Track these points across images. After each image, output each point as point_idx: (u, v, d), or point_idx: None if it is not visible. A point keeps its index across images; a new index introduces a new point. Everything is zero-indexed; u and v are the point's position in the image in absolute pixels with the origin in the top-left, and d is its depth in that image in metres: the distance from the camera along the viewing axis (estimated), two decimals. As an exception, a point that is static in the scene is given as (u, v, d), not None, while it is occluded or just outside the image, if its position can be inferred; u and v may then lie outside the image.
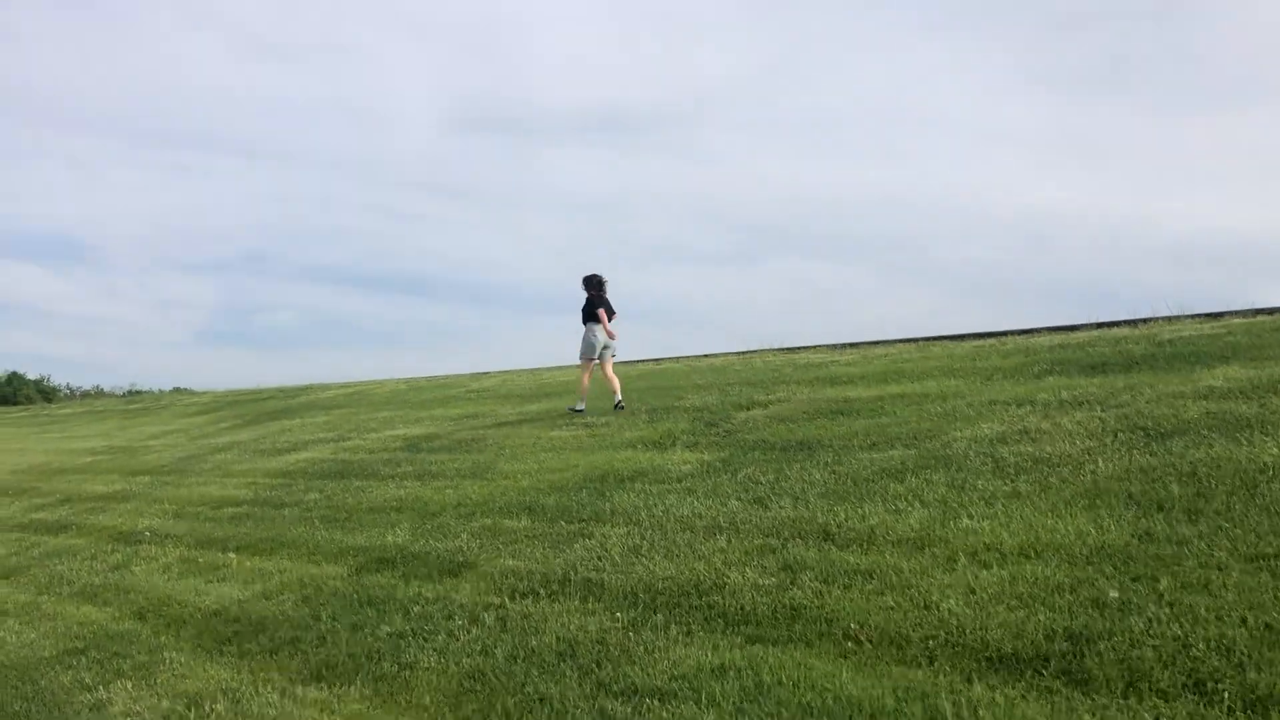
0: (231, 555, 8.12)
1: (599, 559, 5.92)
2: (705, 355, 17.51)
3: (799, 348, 15.82)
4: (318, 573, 6.97)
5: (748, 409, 10.37)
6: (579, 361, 12.47)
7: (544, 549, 6.42)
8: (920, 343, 13.67)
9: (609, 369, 12.27)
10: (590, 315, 12.13)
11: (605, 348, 12.17)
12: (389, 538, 7.53)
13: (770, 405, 10.30)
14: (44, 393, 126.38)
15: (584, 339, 12.21)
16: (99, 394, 79.09)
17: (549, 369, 19.39)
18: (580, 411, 12.06)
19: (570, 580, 5.63)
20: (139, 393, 57.27)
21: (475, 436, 11.95)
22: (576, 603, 5.29)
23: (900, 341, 14.09)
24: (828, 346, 15.41)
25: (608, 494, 7.56)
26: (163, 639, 6.21)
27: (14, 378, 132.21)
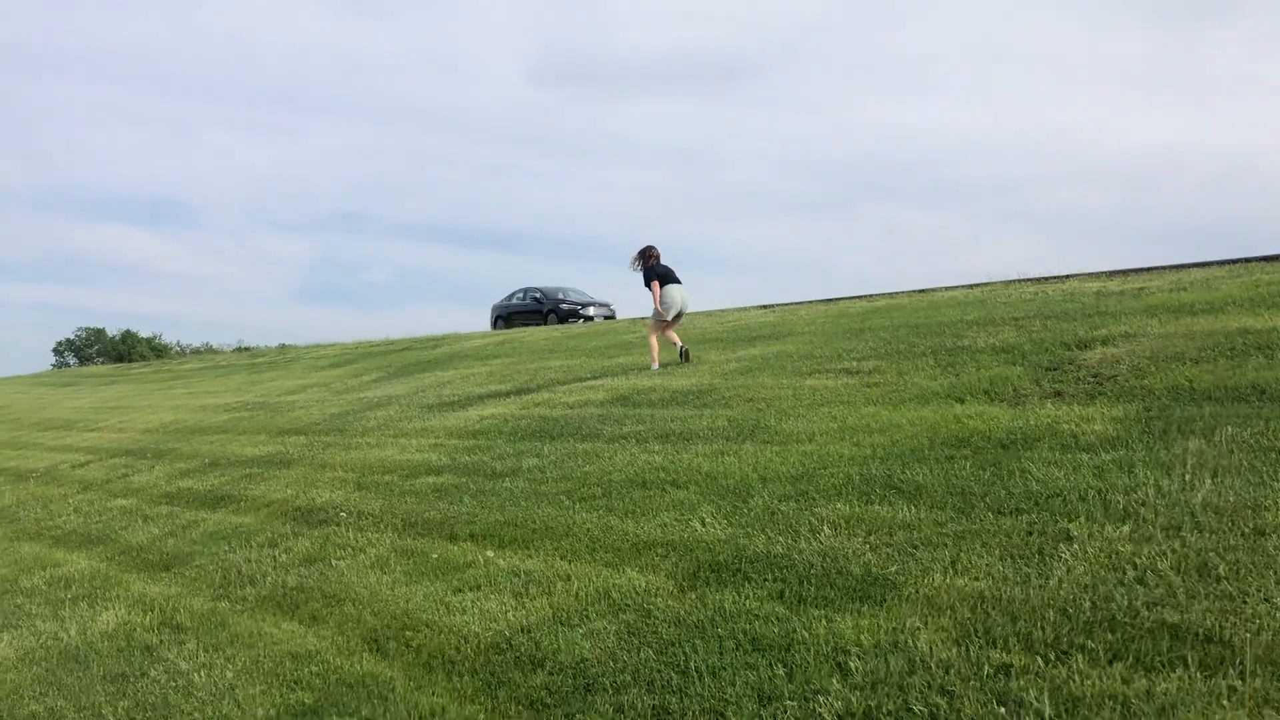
0: (465, 545, 6.03)
1: (1134, 580, 3.60)
2: (907, 292, 14.96)
3: (1050, 277, 13.18)
4: (625, 583, 4.79)
5: (1084, 347, 7.92)
6: (652, 320, 11.89)
7: (993, 557, 4.13)
8: (1242, 264, 10.95)
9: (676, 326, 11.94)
10: (666, 277, 11.53)
11: (683, 310, 11.75)
12: (698, 528, 5.33)
13: (1119, 342, 7.83)
14: (156, 350, 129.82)
15: (664, 299, 11.51)
16: (209, 350, 79.75)
17: (733, 309, 17.06)
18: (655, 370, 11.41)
19: (1119, 619, 3.32)
20: (248, 349, 56.91)
21: (701, 387, 9.72)
22: (1186, 672, 2.98)
23: (1222, 263, 11.37)
24: (1093, 274, 12.76)
25: (1008, 466, 5.23)
26: (433, 695, 4.10)
27: (128, 335, 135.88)
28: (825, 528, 4.92)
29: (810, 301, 15.73)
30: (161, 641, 5.46)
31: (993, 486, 5.01)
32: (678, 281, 11.70)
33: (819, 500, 5.40)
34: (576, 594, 4.80)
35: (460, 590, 5.27)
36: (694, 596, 4.46)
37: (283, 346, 37.21)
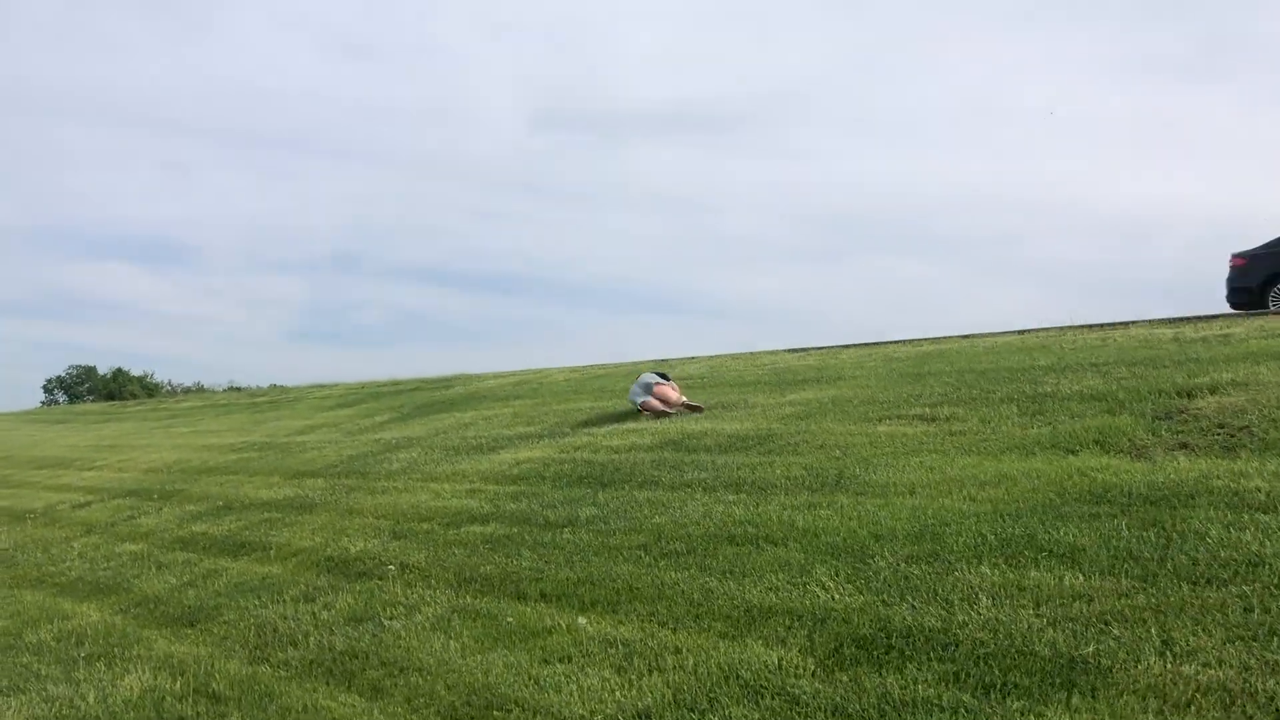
0: (538, 607, 5.33)
1: None
2: (952, 337, 14.33)
3: (1110, 323, 12.61)
4: (752, 659, 4.10)
5: (1190, 396, 7.31)
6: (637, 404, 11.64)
7: (1215, 639, 3.45)
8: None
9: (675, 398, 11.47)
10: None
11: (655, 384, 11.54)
12: (820, 593, 4.65)
13: (1232, 390, 7.22)
14: (148, 389, 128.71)
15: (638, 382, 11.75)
16: (201, 390, 78.75)
17: (763, 352, 16.43)
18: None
19: None
20: (239, 388, 56.02)
21: (759, 432, 9.06)
22: None
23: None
24: (1154, 321, 12.18)
25: (1174, 527, 4.59)
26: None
27: (119, 374, 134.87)
28: (982, 596, 4.24)
29: (848, 345, 15.11)
30: (198, 715, 4.73)
31: (1168, 551, 4.35)
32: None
33: (956, 563, 4.73)
34: (695, 671, 4.10)
35: (548, 661, 4.56)
36: (846, 679, 3.77)
37: (274, 387, 36.47)
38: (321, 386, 28.34)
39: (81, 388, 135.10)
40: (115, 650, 6.10)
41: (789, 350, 16.27)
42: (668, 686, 4.02)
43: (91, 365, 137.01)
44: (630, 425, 11.01)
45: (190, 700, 4.92)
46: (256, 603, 6.65)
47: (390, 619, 5.70)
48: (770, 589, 4.88)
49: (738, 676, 3.97)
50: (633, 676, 4.19)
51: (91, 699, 5.22)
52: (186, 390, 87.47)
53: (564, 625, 4.98)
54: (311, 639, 5.62)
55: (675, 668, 4.19)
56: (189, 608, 6.89)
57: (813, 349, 15.66)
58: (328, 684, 4.88)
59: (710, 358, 17.45)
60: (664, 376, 11.87)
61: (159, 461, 16.99)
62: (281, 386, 31.70)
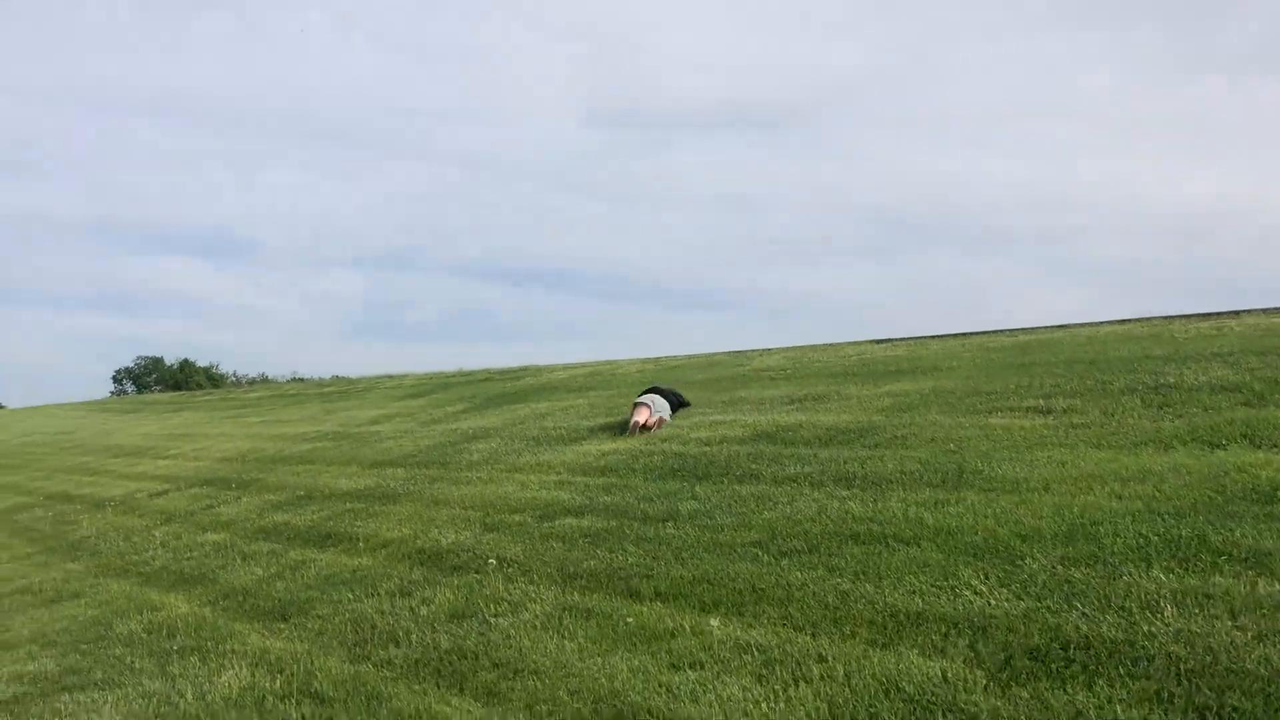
0: (655, 607, 5.00)
1: None
2: (1048, 327, 13.72)
3: (1220, 313, 11.94)
4: (912, 670, 3.73)
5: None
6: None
7: None
8: None
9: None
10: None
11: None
12: (973, 598, 4.26)
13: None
14: (213, 379, 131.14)
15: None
16: (265, 381, 79.80)
17: (844, 343, 15.96)
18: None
19: None
20: (301, 379, 56.54)
21: (859, 425, 8.64)
22: None
23: None
24: (1268, 310, 11.51)
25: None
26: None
27: (186, 365, 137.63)
28: (1164, 604, 3.82)
29: (935, 336, 14.56)
30: (304, 717, 4.46)
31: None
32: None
33: (1120, 566, 4.30)
34: (849, 682, 3.73)
35: (677, 667, 4.22)
36: (1026, 695, 3.38)
37: (337, 378, 36.64)
38: (390, 377, 28.34)
39: (149, 378, 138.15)
40: (208, 644, 5.88)
41: (872, 341, 15.77)
42: (819, 699, 3.66)
43: (159, 357, 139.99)
44: (716, 417, 10.65)
45: (294, 701, 4.66)
46: (350, 596, 6.40)
47: (495, 616, 5.40)
48: (913, 592, 4.49)
49: (899, 689, 3.60)
50: (777, 687, 3.84)
51: (190, 696, 4.99)
52: (251, 381, 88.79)
53: (687, 627, 4.64)
54: (414, 636, 5.34)
55: (824, 678, 3.82)
56: (280, 601, 6.67)
57: (898, 340, 15.14)
58: (437, 686, 4.59)
59: (786, 349, 17.00)
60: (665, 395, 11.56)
61: (233, 450, 16.99)
62: (348, 378, 31.79)
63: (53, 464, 21.57)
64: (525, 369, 22.63)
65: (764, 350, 17.46)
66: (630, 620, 4.81)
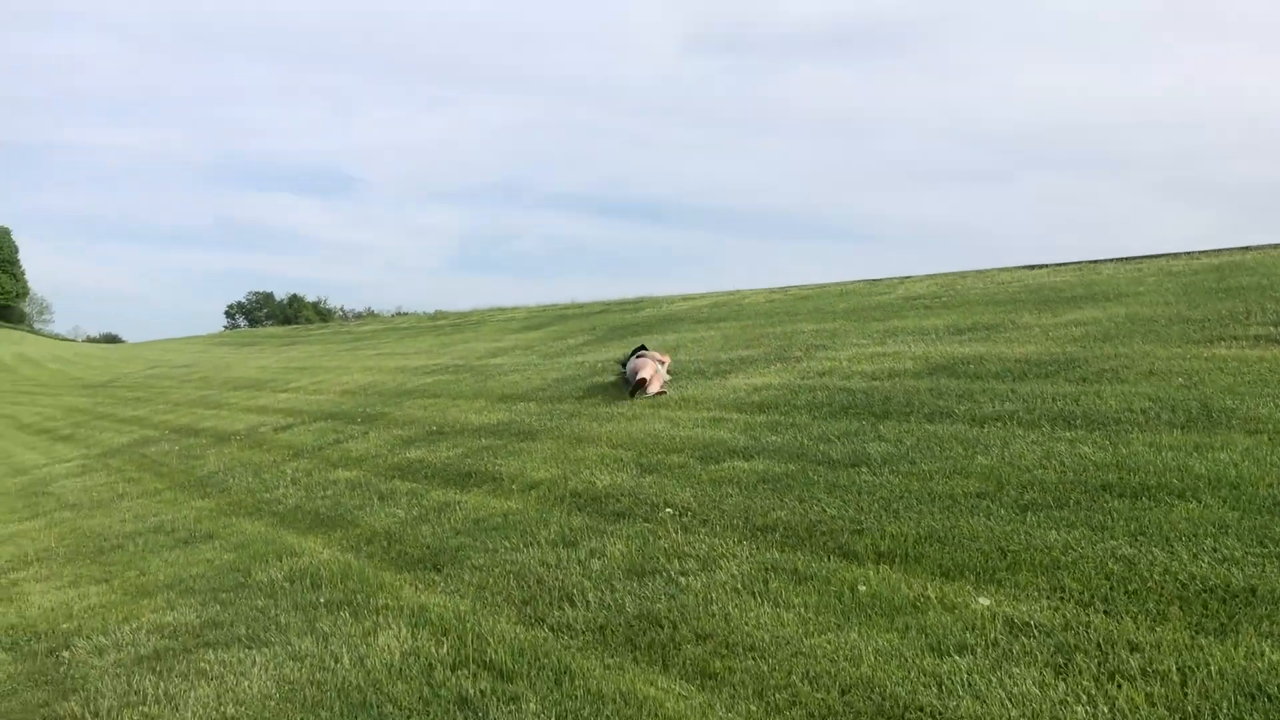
0: (882, 570, 4.21)
1: None
2: (1230, 250, 12.33)
3: None
4: (1274, 666, 2.85)
5: None
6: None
7: None
8: None
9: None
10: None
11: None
12: (1267, 568, 3.34)
13: None
14: (321, 314, 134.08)
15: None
16: (371, 315, 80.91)
17: (995, 269, 14.78)
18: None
19: None
20: (405, 314, 56.93)
21: (1052, 356, 7.67)
22: None
23: None
24: None
25: None
26: None
27: (295, 299, 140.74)
28: None
29: (1105, 260, 13.33)
30: (483, 694, 3.82)
31: None
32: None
33: None
34: (1188, 682, 2.88)
35: (938, 651, 3.43)
36: None
37: (439, 313, 36.48)
38: (501, 310, 27.97)
39: (260, 313, 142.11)
40: (357, 598, 5.32)
41: (1027, 267, 14.57)
42: (1155, 705, 2.83)
43: (269, 292, 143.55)
44: (875, 349, 9.74)
45: (469, 673, 4.03)
46: (506, 545, 5.77)
47: (683, 575, 4.69)
48: (1226, 560, 3.60)
49: (1269, 696, 2.74)
50: (1087, 684, 3.02)
51: (346, 660, 4.41)
52: (357, 315, 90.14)
53: (932, 598, 3.84)
54: (590, 596, 4.66)
55: (1148, 674, 2.99)
56: (428, 548, 6.09)
57: (1064, 264, 13.93)
58: (635, 660, 3.89)
59: (932, 276, 15.90)
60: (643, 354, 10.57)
61: (353, 384, 16.70)
62: (458, 311, 31.55)
63: (175, 397, 21.77)
64: (642, 300, 21.91)
65: (904, 278, 16.38)
66: (862, 588, 4.03)
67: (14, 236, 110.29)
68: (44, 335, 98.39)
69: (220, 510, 8.72)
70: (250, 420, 14.82)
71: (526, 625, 4.50)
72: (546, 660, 4.02)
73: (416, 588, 5.37)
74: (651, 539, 5.34)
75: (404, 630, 4.67)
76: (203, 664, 4.70)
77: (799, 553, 4.68)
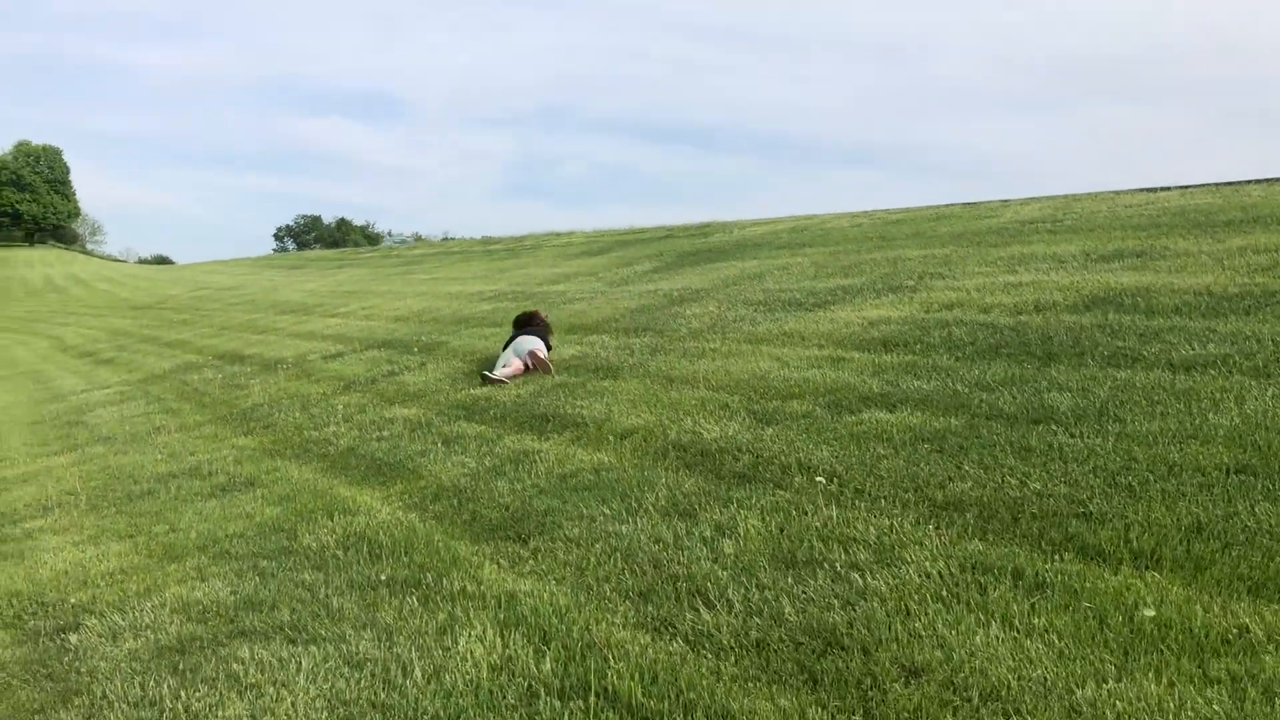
0: (1149, 580, 3.04)
1: None
2: None
3: None
4: None
5: None
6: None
7: None
8: None
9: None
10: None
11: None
12: None
13: None
14: (369, 238, 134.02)
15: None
16: (419, 240, 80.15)
17: (1120, 191, 13.31)
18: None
19: None
20: (452, 238, 55.92)
21: (1249, 288, 6.38)
22: None
23: None
24: None
25: None
26: None
27: (343, 223, 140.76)
28: None
29: (1253, 181, 11.85)
30: (615, 749, 2.73)
31: None
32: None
33: None
34: None
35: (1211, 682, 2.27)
36: None
37: (487, 238, 35.33)
38: (557, 234, 26.79)
39: (308, 236, 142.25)
40: (427, 576, 4.26)
41: (1143, 190, 13.10)
42: None
43: (317, 215, 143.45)
44: (1009, 278, 8.47)
45: (585, 710, 2.94)
46: (605, 512, 4.68)
47: (856, 571, 3.55)
48: None
49: None
50: None
51: (419, 673, 3.35)
52: (404, 240, 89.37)
53: (1257, 632, 2.68)
54: (731, 593, 3.56)
55: None
56: (508, 510, 5.01)
57: (1190, 186, 12.45)
58: (821, 706, 2.78)
59: (1042, 199, 14.44)
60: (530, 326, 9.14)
61: (405, 310, 15.69)
62: (514, 236, 30.36)
63: (221, 320, 20.96)
64: (709, 225, 20.63)
65: (1006, 201, 14.94)
66: (1148, 613, 2.87)
67: (65, 157, 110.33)
68: (95, 256, 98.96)
69: (263, 450, 7.74)
70: (298, 347, 13.88)
71: (652, 634, 3.40)
72: (695, 697, 2.92)
73: (499, 565, 4.31)
74: (794, 513, 4.22)
75: (490, 631, 3.60)
76: (235, 665, 3.67)
77: (1011, 545, 3.53)
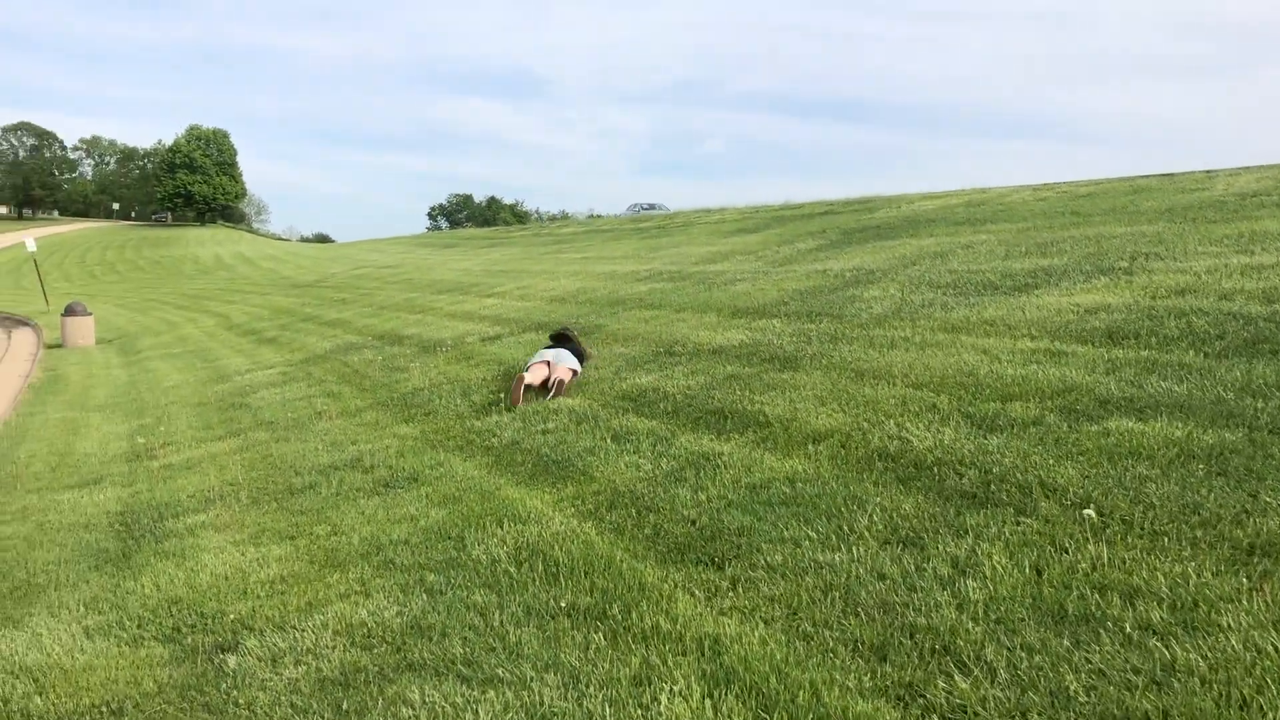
0: None
1: None
2: None
3: None
4: None
5: None
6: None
7: None
8: None
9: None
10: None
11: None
12: None
13: None
14: (518, 216, 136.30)
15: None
16: (565, 217, 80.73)
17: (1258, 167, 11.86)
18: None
19: None
20: (598, 216, 55.88)
21: None
22: None
23: None
24: None
25: None
26: None
27: (493, 202, 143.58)
28: None
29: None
30: None
31: None
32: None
33: None
34: None
35: None
36: None
37: (635, 217, 34.90)
38: (708, 211, 26.17)
39: (460, 214, 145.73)
40: (613, 607, 3.74)
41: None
42: None
43: (468, 194, 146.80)
44: (1244, 260, 7.42)
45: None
46: (813, 536, 4.06)
47: (1149, 633, 2.84)
48: None
49: None
50: None
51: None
52: (552, 218, 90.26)
53: None
54: (992, 656, 2.90)
55: None
56: (696, 527, 4.45)
57: None
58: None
59: (1258, 169, 13.02)
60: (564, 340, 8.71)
61: (560, 290, 15.36)
62: (664, 213, 29.84)
63: (380, 299, 21.18)
64: (873, 199, 19.64)
65: (1210, 173, 13.54)
66: None
67: (232, 139, 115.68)
68: (261, 235, 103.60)
69: (425, 440, 7.42)
70: (456, 328, 13.70)
71: (900, 706, 2.78)
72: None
73: (694, 596, 3.75)
74: (1050, 550, 3.51)
75: (696, 688, 3.04)
76: (404, 710, 3.23)
77: None
